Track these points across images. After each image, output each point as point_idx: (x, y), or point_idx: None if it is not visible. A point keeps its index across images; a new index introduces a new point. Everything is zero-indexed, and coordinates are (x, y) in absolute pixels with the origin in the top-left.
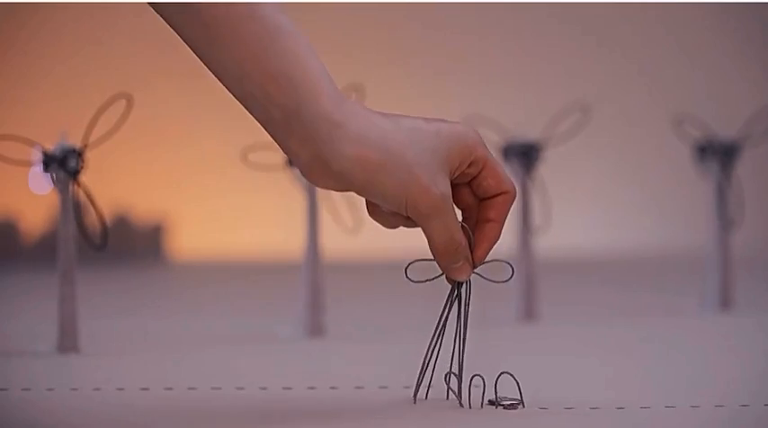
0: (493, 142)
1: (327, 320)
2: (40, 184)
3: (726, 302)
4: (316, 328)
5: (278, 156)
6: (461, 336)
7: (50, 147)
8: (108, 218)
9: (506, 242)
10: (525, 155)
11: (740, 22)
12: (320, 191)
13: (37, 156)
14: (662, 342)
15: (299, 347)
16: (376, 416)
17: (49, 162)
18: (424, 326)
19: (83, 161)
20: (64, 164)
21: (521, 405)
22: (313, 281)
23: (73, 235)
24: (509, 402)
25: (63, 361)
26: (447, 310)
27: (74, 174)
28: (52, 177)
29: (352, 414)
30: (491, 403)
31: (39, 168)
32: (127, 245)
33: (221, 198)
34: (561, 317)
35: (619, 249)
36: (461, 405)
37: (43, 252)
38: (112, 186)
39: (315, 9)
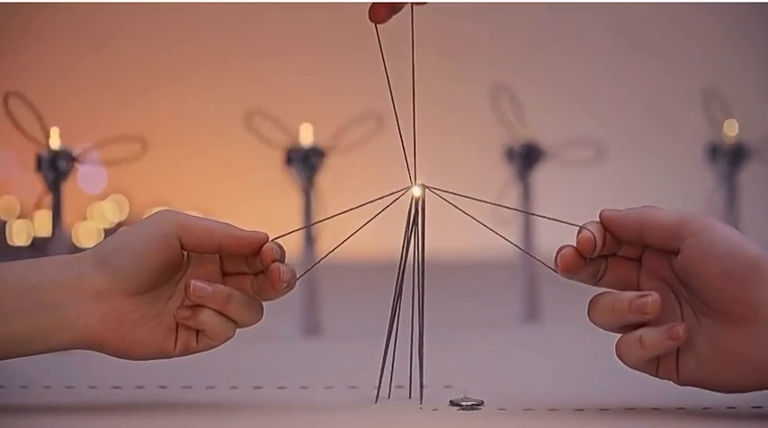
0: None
1: (324, 319)
2: (91, 183)
3: None
4: (312, 327)
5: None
6: (419, 335)
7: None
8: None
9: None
10: (527, 157)
11: (748, 23)
12: (317, 191)
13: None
14: None
15: (294, 346)
16: (332, 415)
17: (42, 162)
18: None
19: (73, 164)
20: (55, 165)
21: (481, 406)
22: (309, 281)
23: (67, 236)
24: (470, 403)
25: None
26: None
27: (63, 175)
28: (44, 177)
29: (304, 412)
30: (452, 403)
31: (89, 167)
32: None
33: (225, 198)
34: (563, 319)
35: None
36: (422, 406)
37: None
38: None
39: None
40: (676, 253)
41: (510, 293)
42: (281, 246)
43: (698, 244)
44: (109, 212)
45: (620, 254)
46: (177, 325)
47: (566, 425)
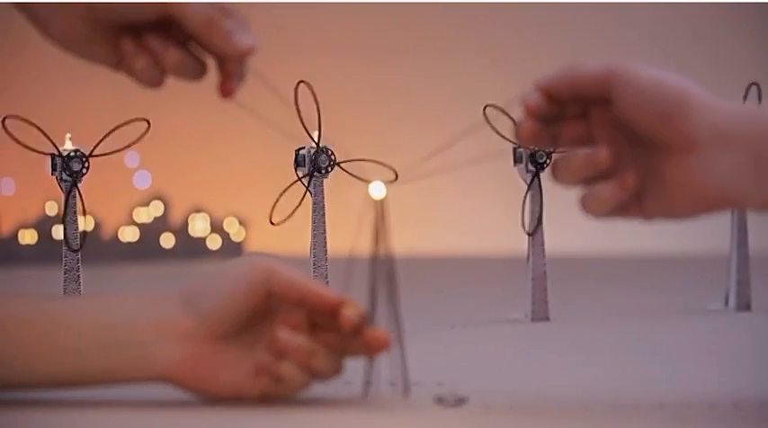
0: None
1: None
2: (141, 180)
3: (743, 304)
4: None
5: None
6: (398, 332)
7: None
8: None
9: (518, 240)
10: (534, 153)
11: (750, 20)
12: (327, 190)
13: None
14: (655, 342)
15: None
16: (313, 409)
17: (56, 162)
18: (428, 323)
19: (87, 166)
20: (68, 166)
21: (465, 403)
22: (321, 278)
23: (79, 234)
24: (454, 399)
25: None
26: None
27: (78, 176)
28: (58, 178)
29: (284, 407)
30: (439, 400)
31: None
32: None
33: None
34: (571, 318)
35: (634, 249)
36: (407, 402)
37: (136, 250)
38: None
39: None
40: (611, 101)
41: (517, 292)
42: (362, 313)
43: (626, 93)
44: (151, 214)
45: (570, 115)
46: (258, 369)
47: (547, 423)
